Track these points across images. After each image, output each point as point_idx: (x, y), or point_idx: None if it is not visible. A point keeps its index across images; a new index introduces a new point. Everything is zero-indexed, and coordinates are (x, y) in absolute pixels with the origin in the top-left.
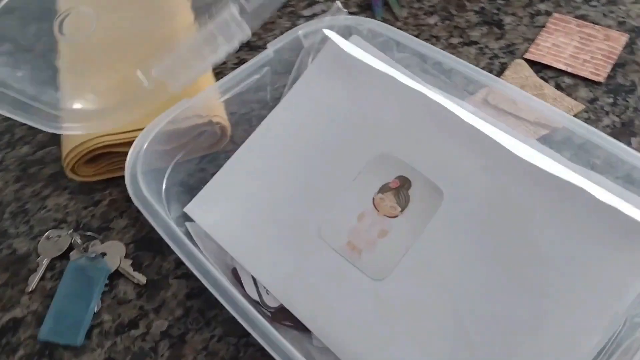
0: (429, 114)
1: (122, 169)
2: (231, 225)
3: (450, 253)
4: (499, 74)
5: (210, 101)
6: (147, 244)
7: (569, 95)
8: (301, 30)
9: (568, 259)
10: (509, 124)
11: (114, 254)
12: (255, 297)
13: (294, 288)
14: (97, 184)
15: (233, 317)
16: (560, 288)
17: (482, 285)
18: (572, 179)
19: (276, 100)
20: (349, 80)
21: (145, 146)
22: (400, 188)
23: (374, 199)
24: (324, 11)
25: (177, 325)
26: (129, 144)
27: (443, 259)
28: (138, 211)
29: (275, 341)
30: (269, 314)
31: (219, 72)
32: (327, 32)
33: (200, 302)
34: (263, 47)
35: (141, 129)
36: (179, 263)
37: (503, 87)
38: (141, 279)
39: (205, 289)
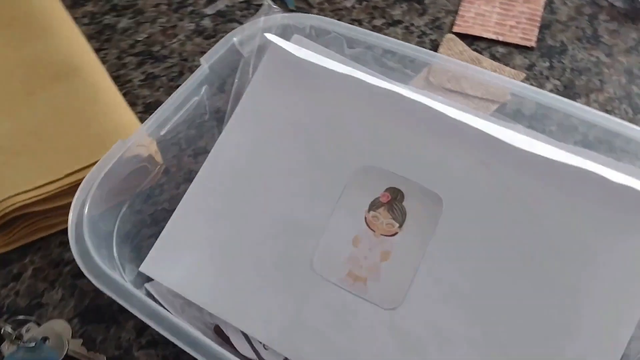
0: (407, 114)
1: (42, 230)
2: (203, 277)
3: (463, 263)
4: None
5: (146, 137)
6: (96, 315)
7: (506, 64)
8: (235, 37)
9: (589, 248)
10: (461, 103)
11: (58, 335)
12: (251, 355)
13: (297, 337)
14: (10, 254)
15: None
16: (587, 280)
17: (506, 292)
18: (575, 162)
19: (218, 121)
20: (304, 87)
21: (88, 202)
22: (393, 201)
23: (365, 218)
24: (227, 7)
25: None
26: (50, 199)
27: (457, 272)
28: (73, 276)
29: None
30: None
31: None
32: (268, 35)
33: None
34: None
35: (59, 179)
36: (141, 330)
37: (465, 68)
38: (99, 359)
39: (181, 353)
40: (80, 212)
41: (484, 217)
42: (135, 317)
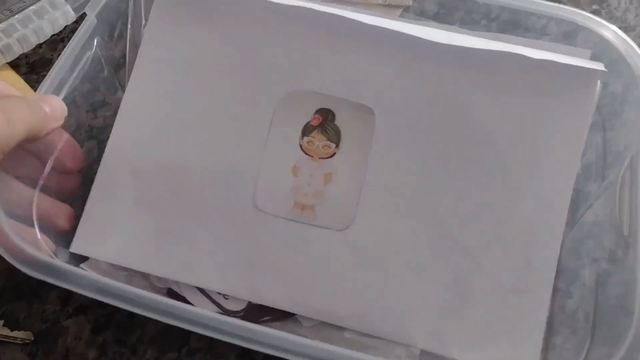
0: (322, 28)
1: None
2: (143, 242)
3: (405, 168)
4: None
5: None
6: (14, 293)
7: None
8: None
9: (520, 125)
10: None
11: None
12: (212, 308)
13: (255, 279)
14: None
15: (163, 331)
16: (523, 156)
17: (450, 185)
18: (494, 47)
19: (117, 70)
20: (208, 19)
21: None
22: (325, 122)
23: (300, 145)
24: None
25: None
26: None
27: (401, 178)
28: None
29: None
30: (235, 317)
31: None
32: None
33: (114, 331)
34: None
35: None
36: (67, 299)
37: None
38: (26, 336)
39: (114, 313)
40: None
41: (416, 119)
42: (58, 287)
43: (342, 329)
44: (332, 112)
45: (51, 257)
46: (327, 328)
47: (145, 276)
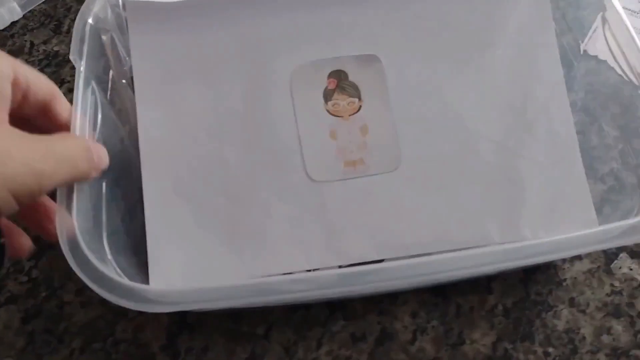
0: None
1: None
2: (219, 255)
3: (425, 92)
4: None
5: None
6: None
7: None
8: (90, 18)
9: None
10: None
11: None
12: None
13: (338, 242)
14: None
15: (90, 321)
16: (516, 49)
17: (469, 93)
18: None
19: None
20: (191, 27)
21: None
22: (341, 82)
23: (328, 110)
24: None
25: (25, 357)
26: None
27: (425, 101)
28: None
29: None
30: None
31: None
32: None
33: (43, 320)
34: None
35: None
36: None
37: None
38: None
39: (44, 303)
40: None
41: (418, 49)
42: None
43: (428, 256)
44: (344, 72)
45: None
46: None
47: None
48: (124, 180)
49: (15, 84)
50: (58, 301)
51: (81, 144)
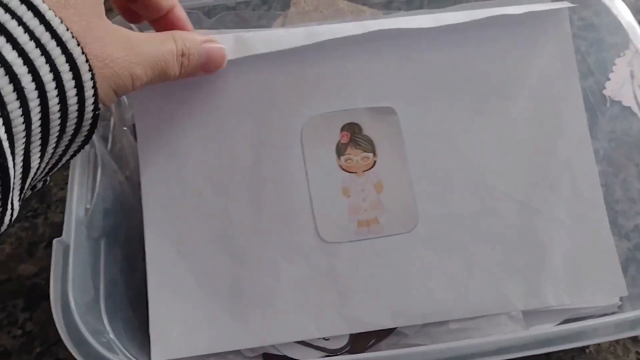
0: (313, 54)
1: None
2: (224, 320)
3: (443, 149)
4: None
5: None
6: None
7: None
8: None
9: (524, 76)
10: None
11: None
12: (317, 354)
13: (351, 308)
14: None
15: None
16: (538, 104)
17: (488, 150)
18: (476, 16)
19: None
20: (198, 78)
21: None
22: (354, 135)
23: (340, 166)
24: None
25: None
26: None
27: (443, 158)
28: None
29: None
30: (345, 354)
31: None
32: None
33: None
34: None
35: None
36: None
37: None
38: None
39: None
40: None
41: (434, 102)
42: None
43: (444, 323)
44: (357, 125)
45: None
46: (430, 327)
47: (235, 352)
48: (122, 228)
49: None
50: (52, 358)
51: (175, 51)
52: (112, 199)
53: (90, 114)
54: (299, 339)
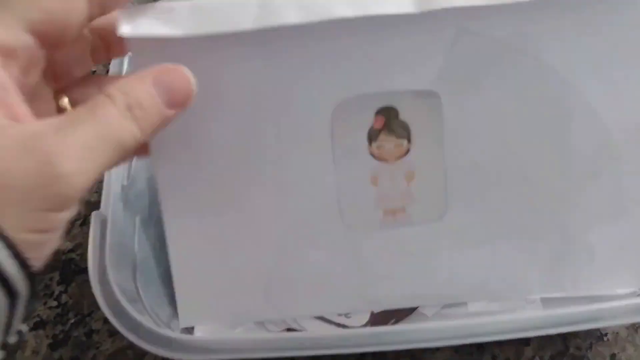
0: (348, 24)
1: None
2: (248, 293)
3: (483, 140)
4: None
5: None
6: None
7: None
8: None
9: (596, 63)
10: None
11: None
12: (337, 332)
13: (372, 289)
14: None
15: (119, 351)
16: (604, 92)
17: (531, 143)
18: None
19: None
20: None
21: None
22: (389, 121)
23: (372, 154)
24: None
25: None
26: None
27: (482, 149)
28: None
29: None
30: None
31: None
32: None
33: (71, 348)
34: None
35: None
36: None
37: None
38: None
39: (72, 330)
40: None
41: (483, 88)
42: None
43: (463, 306)
44: (394, 109)
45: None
46: (449, 310)
47: (258, 324)
48: (155, 208)
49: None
50: (87, 329)
51: (116, 113)
52: (146, 179)
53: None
54: (321, 314)
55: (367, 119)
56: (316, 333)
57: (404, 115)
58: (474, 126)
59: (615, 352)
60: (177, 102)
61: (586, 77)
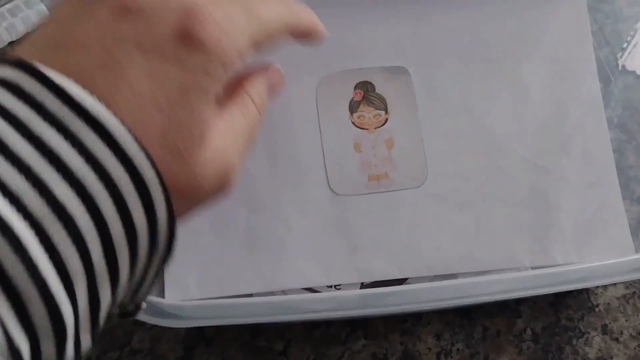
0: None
1: None
2: (236, 265)
3: (454, 107)
4: None
5: None
6: None
7: None
8: None
9: (535, 38)
10: None
11: None
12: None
13: (360, 258)
14: None
15: (106, 330)
16: (549, 65)
17: (500, 109)
18: None
19: None
20: None
21: None
22: (367, 94)
23: (353, 122)
24: None
25: None
26: None
27: (454, 117)
28: None
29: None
30: None
31: None
32: None
33: None
34: None
35: None
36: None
37: None
38: None
39: None
40: None
41: (446, 62)
42: None
43: (452, 277)
44: (370, 83)
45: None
46: (439, 282)
47: (247, 296)
48: None
49: None
50: None
51: (257, 116)
52: None
53: (165, 241)
54: (309, 286)
55: (348, 93)
56: (301, 296)
57: (380, 89)
58: (443, 98)
59: (607, 322)
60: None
61: (532, 56)
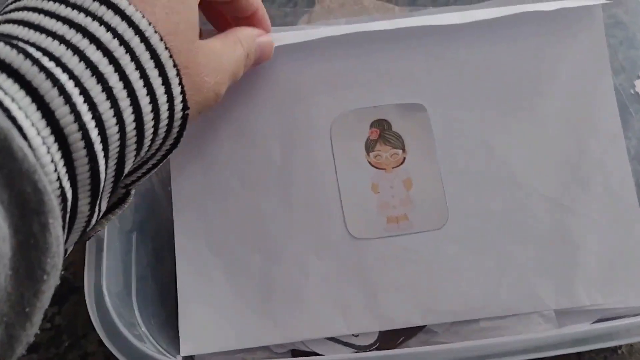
0: (342, 48)
1: None
2: (253, 316)
3: (474, 146)
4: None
5: None
6: None
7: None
8: None
9: (555, 75)
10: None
11: None
12: (347, 351)
13: (380, 305)
14: None
15: None
16: (570, 101)
17: (520, 148)
18: (506, 12)
19: None
20: None
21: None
22: (384, 132)
23: (370, 162)
24: None
25: None
26: None
27: (474, 155)
28: None
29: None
30: (374, 350)
31: None
32: None
33: None
34: None
35: None
36: None
37: None
38: None
39: (67, 354)
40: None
41: (464, 99)
42: None
43: (475, 321)
44: (387, 121)
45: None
46: (460, 325)
47: (263, 349)
48: (152, 222)
49: None
50: (81, 351)
51: (243, 55)
52: (142, 193)
53: (180, 114)
54: (328, 336)
55: (364, 131)
56: (323, 358)
57: (396, 127)
58: (460, 134)
59: None
60: (261, 62)
61: (551, 91)
